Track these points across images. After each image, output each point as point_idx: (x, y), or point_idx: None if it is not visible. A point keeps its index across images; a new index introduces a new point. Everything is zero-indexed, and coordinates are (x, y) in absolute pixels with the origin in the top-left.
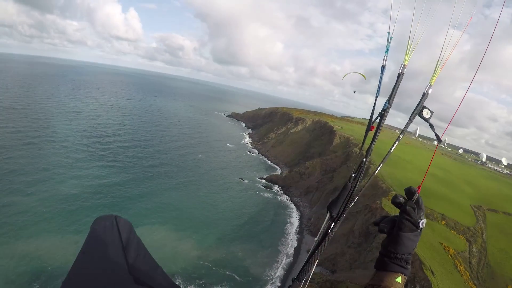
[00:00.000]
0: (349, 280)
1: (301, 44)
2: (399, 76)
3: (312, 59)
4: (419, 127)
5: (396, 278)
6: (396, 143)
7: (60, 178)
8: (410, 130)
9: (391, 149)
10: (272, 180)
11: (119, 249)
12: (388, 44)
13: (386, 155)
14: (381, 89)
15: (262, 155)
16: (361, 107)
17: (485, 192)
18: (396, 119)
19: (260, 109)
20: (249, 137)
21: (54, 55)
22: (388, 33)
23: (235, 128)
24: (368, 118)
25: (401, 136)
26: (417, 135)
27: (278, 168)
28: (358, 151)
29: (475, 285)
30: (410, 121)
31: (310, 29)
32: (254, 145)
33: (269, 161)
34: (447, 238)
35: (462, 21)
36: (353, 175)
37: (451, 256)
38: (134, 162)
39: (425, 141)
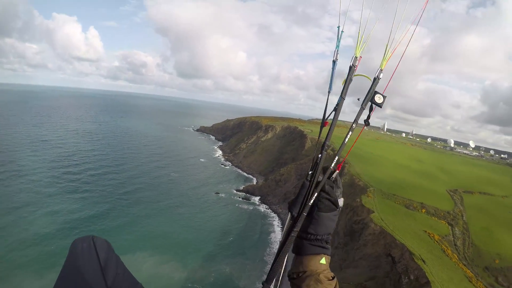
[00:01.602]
0: (342, 281)
1: (264, 52)
2: (351, 68)
3: (275, 65)
4: (386, 122)
5: (320, 260)
6: (350, 133)
7: (31, 217)
8: (378, 126)
9: (345, 139)
10: (248, 191)
11: (97, 270)
12: (338, 39)
13: (340, 146)
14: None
15: (235, 166)
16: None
17: (458, 176)
18: (361, 116)
19: (228, 120)
20: (220, 149)
21: (15, 81)
22: (338, 27)
23: (205, 142)
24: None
25: (354, 125)
26: (385, 130)
27: (253, 178)
28: (332, 152)
29: (464, 265)
30: (363, 108)
31: (272, 36)
32: (226, 157)
33: (243, 172)
34: (430, 225)
35: (414, 13)
36: (310, 172)
37: (437, 242)
38: (108, 190)
39: (394, 135)
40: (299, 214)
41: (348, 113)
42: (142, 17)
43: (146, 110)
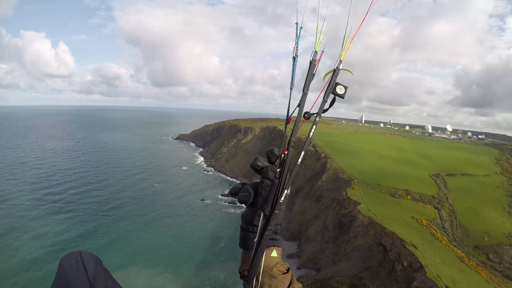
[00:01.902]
0: (337, 274)
1: (237, 55)
2: (311, 63)
3: (249, 67)
4: (364, 114)
5: (271, 253)
6: (314, 126)
7: (17, 243)
8: (356, 118)
9: (310, 133)
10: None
11: (86, 286)
12: (297, 36)
13: (306, 141)
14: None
15: (218, 171)
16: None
17: (439, 160)
18: (339, 110)
19: (206, 126)
20: (201, 156)
21: None
22: (297, 23)
23: (185, 150)
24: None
25: (317, 119)
26: (363, 122)
27: (237, 181)
28: (313, 149)
29: (455, 246)
30: (324, 100)
31: (244, 38)
32: (208, 162)
33: (226, 176)
34: (417, 210)
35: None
36: (278, 170)
37: (425, 226)
38: (92, 208)
39: (372, 126)
40: (271, 212)
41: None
42: (112, 29)
43: (123, 122)
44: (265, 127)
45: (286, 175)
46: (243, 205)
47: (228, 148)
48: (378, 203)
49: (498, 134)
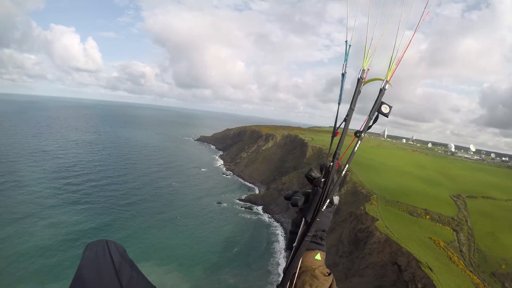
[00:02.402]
0: None
1: (262, 61)
2: (359, 81)
3: (274, 74)
4: (386, 128)
5: (315, 256)
6: (359, 142)
7: (32, 229)
8: (379, 132)
9: (355, 148)
10: (251, 200)
11: (112, 274)
12: (347, 53)
13: (351, 155)
14: (345, 96)
15: (237, 175)
16: (326, 115)
17: (461, 180)
18: (361, 123)
19: (228, 129)
20: (221, 159)
21: (14, 91)
22: (346, 41)
23: (205, 152)
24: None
25: (363, 134)
26: (385, 136)
27: (255, 187)
28: (329, 158)
29: (471, 272)
30: (370, 118)
31: (270, 45)
32: (227, 166)
33: (244, 181)
34: (435, 231)
35: (416, 22)
36: (323, 180)
37: (442, 248)
38: (109, 202)
39: (394, 141)
40: (313, 219)
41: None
42: (140, 28)
43: (146, 120)
44: (287, 135)
45: (329, 186)
46: (294, 209)
47: (248, 153)
48: (396, 221)
49: None
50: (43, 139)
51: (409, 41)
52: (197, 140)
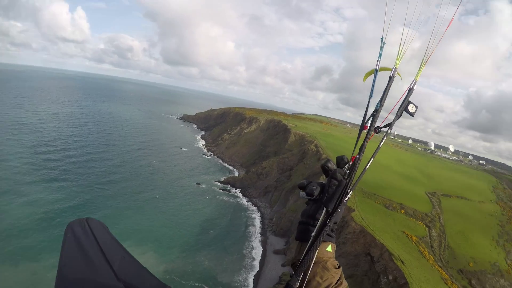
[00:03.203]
0: None
1: (253, 43)
2: (391, 78)
3: (263, 57)
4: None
5: (326, 247)
6: (385, 138)
7: (7, 207)
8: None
9: (380, 144)
10: (229, 183)
11: (99, 255)
12: (381, 49)
13: (375, 151)
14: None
15: (217, 157)
16: (311, 103)
17: (437, 179)
18: (345, 113)
19: (212, 110)
20: (202, 139)
21: None
22: (382, 38)
23: (188, 131)
24: (319, 114)
25: (389, 131)
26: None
27: (235, 170)
28: (315, 148)
29: (440, 267)
30: (398, 116)
31: (263, 28)
32: (208, 147)
33: (225, 163)
34: (408, 226)
35: (415, 20)
36: (348, 171)
37: (414, 243)
38: (88, 179)
39: (376, 134)
40: (335, 209)
41: (331, 110)
42: (132, 0)
43: (130, 95)
44: (270, 119)
45: (353, 178)
46: (306, 200)
47: (231, 135)
48: (371, 213)
49: (499, 162)
50: (23, 111)
51: (440, 39)
52: (180, 118)
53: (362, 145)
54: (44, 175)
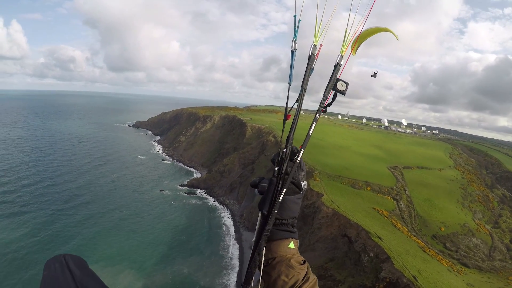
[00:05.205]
0: None
1: (198, 41)
2: (310, 57)
3: (209, 54)
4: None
5: (288, 244)
6: (314, 124)
7: None
8: (314, 109)
9: (309, 131)
10: (193, 185)
11: None
12: (296, 29)
13: (305, 139)
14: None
15: (177, 160)
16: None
17: (396, 153)
18: (308, 103)
19: (164, 113)
20: (159, 144)
21: None
22: (295, 16)
23: (142, 138)
24: (271, 104)
25: (317, 116)
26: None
27: (197, 171)
28: (273, 139)
29: (415, 236)
30: (325, 97)
31: (207, 24)
32: (166, 151)
33: (185, 166)
34: (377, 201)
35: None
36: (276, 168)
37: (386, 217)
38: (51, 207)
39: (330, 117)
40: (270, 212)
41: (283, 99)
42: (68, 8)
43: (78, 108)
44: (225, 115)
45: (284, 174)
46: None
47: (187, 136)
48: (340, 195)
49: (450, 130)
50: None
51: (367, 15)
52: (133, 126)
53: (289, 136)
54: (1, 211)
